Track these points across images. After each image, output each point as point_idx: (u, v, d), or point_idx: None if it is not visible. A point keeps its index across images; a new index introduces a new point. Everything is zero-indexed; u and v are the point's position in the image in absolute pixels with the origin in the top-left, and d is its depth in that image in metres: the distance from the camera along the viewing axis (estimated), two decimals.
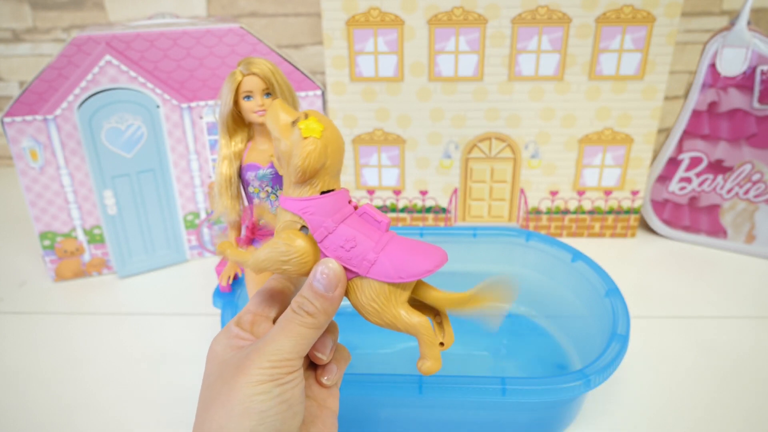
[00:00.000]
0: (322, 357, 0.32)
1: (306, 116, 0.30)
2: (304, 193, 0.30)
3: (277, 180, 0.48)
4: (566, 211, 0.76)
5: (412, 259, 0.29)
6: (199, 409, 0.29)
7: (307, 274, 0.31)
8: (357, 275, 0.30)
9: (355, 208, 0.32)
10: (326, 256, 0.30)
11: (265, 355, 0.28)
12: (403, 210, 0.78)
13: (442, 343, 0.31)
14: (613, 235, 0.77)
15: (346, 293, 0.31)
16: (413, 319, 0.29)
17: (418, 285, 0.31)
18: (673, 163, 0.73)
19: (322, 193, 0.30)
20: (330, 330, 0.33)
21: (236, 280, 0.52)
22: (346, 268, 0.30)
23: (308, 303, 0.29)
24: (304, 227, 0.31)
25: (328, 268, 0.29)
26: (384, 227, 0.31)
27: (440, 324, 0.32)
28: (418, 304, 0.32)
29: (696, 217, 0.74)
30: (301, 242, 0.30)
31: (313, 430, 0.31)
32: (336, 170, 0.31)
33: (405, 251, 0.29)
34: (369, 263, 0.29)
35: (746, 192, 0.70)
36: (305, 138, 0.29)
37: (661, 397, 0.51)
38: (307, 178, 0.30)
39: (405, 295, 0.30)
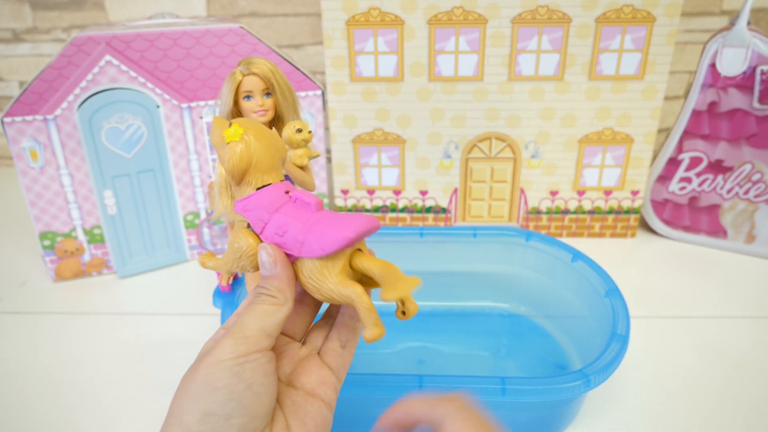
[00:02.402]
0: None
1: (230, 125, 0.33)
2: (244, 192, 0.33)
3: None
4: (566, 211, 0.76)
5: (332, 230, 0.30)
6: None
7: None
8: (295, 258, 0.31)
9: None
10: None
11: (230, 333, 0.29)
12: (403, 210, 0.78)
13: (404, 312, 0.31)
14: (613, 235, 0.77)
15: (296, 278, 0.32)
16: (347, 289, 0.30)
17: (357, 257, 0.31)
18: (673, 163, 0.73)
19: (258, 189, 0.32)
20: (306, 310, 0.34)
21: (236, 280, 0.52)
22: (287, 254, 0.32)
23: (263, 288, 0.31)
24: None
25: (263, 251, 0.31)
26: (314, 208, 0.32)
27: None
28: (369, 277, 0.32)
29: (696, 217, 0.74)
30: (245, 239, 0.32)
31: (294, 422, 0.30)
32: (267, 166, 0.33)
33: (327, 225, 0.30)
34: (299, 244, 0.30)
35: (746, 192, 0.70)
36: (227, 143, 0.32)
37: (661, 397, 0.51)
38: (239, 178, 0.32)
39: (336, 267, 0.30)
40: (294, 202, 0.32)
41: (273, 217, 0.31)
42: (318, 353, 0.34)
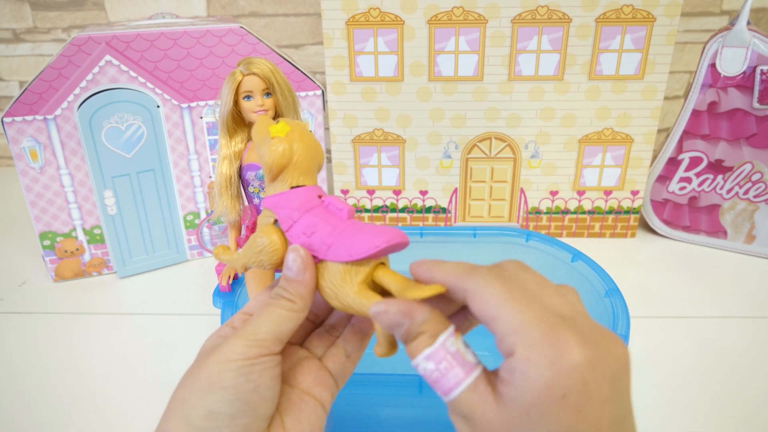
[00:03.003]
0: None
1: (277, 122, 0.33)
2: (277, 189, 0.32)
3: None
4: (566, 211, 0.76)
5: (362, 237, 0.29)
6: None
7: (281, 265, 0.32)
8: (320, 260, 0.31)
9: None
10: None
11: (241, 334, 0.28)
12: (403, 210, 0.78)
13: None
14: (613, 235, 0.77)
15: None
16: (365, 301, 0.29)
17: (380, 271, 0.30)
18: (673, 163, 0.73)
19: (292, 188, 0.32)
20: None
21: (236, 280, 0.52)
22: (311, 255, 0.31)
23: (283, 290, 0.30)
24: (277, 221, 0.32)
25: (293, 251, 0.30)
26: (345, 214, 0.31)
27: None
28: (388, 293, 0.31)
29: (696, 217, 0.74)
30: (270, 234, 0.32)
31: (288, 419, 0.30)
32: (305, 167, 0.33)
33: (358, 232, 0.30)
34: (326, 246, 0.30)
35: (746, 192, 0.70)
36: (272, 138, 0.32)
37: (661, 397, 0.51)
38: (276, 174, 0.32)
39: (359, 276, 0.29)
40: (325, 207, 0.32)
41: (303, 216, 0.31)
42: (320, 358, 0.34)
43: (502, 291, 0.24)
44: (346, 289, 0.30)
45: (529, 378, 0.22)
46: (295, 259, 0.30)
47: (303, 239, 0.31)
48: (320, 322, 0.35)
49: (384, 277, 0.30)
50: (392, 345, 0.29)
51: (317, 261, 0.31)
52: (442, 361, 0.25)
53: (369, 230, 0.30)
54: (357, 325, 0.34)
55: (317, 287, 0.31)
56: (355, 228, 0.30)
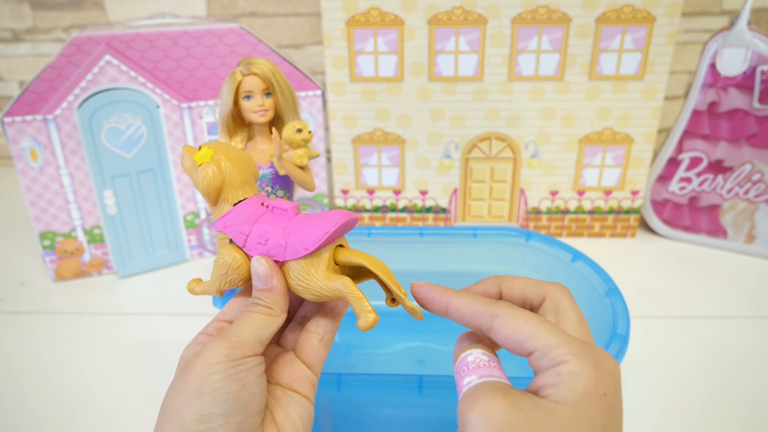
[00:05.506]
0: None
1: (199, 148, 0.34)
2: (222, 211, 0.34)
3: (277, 180, 0.48)
4: (566, 211, 0.76)
5: (311, 229, 0.31)
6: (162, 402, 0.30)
7: (250, 278, 0.33)
8: (282, 263, 0.32)
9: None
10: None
11: (224, 337, 0.29)
12: (403, 210, 0.78)
13: (393, 300, 0.32)
14: (613, 235, 0.77)
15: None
16: (334, 283, 0.31)
17: (341, 252, 0.32)
18: (673, 163, 0.73)
19: (235, 205, 0.34)
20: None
21: None
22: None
23: (259, 299, 0.31)
24: (232, 240, 0.34)
25: (257, 263, 0.32)
26: (291, 213, 0.33)
27: (384, 284, 0.33)
28: (356, 272, 0.33)
29: (696, 217, 0.74)
30: (230, 253, 0.33)
31: (278, 414, 0.31)
32: (240, 181, 0.34)
33: (306, 225, 0.31)
34: (283, 248, 0.31)
35: (746, 192, 0.70)
36: (200, 165, 0.33)
37: (661, 397, 0.51)
38: (215, 198, 0.34)
39: (322, 264, 0.31)
40: (271, 212, 0.33)
41: (253, 227, 0.32)
42: (293, 350, 0.34)
43: (531, 316, 0.28)
44: (314, 280, 0.31)
45: (580, 377, 0.25)
46: (260, 270, 0.31)
47: (260, 249, 0.32)
48: (291, 317, 0.36)
49: (347, 256, 0.31)
50: (369, 311, 0.30)
51: (280, 264, 0.32)
52: (493, 360, 0.29)
53: (316, 220, 0.31)
54: (327, 306, 0.35)
55: (289, 288, 0.32)
56: (303, 222, 0.31)
